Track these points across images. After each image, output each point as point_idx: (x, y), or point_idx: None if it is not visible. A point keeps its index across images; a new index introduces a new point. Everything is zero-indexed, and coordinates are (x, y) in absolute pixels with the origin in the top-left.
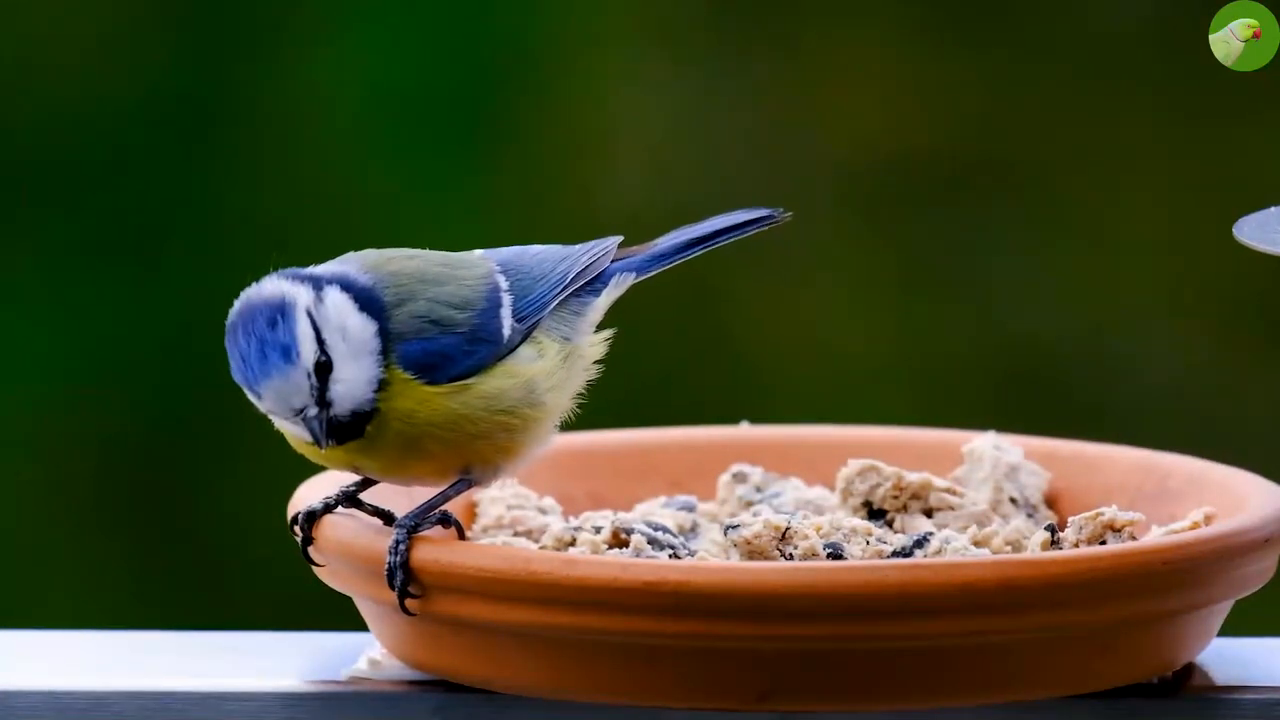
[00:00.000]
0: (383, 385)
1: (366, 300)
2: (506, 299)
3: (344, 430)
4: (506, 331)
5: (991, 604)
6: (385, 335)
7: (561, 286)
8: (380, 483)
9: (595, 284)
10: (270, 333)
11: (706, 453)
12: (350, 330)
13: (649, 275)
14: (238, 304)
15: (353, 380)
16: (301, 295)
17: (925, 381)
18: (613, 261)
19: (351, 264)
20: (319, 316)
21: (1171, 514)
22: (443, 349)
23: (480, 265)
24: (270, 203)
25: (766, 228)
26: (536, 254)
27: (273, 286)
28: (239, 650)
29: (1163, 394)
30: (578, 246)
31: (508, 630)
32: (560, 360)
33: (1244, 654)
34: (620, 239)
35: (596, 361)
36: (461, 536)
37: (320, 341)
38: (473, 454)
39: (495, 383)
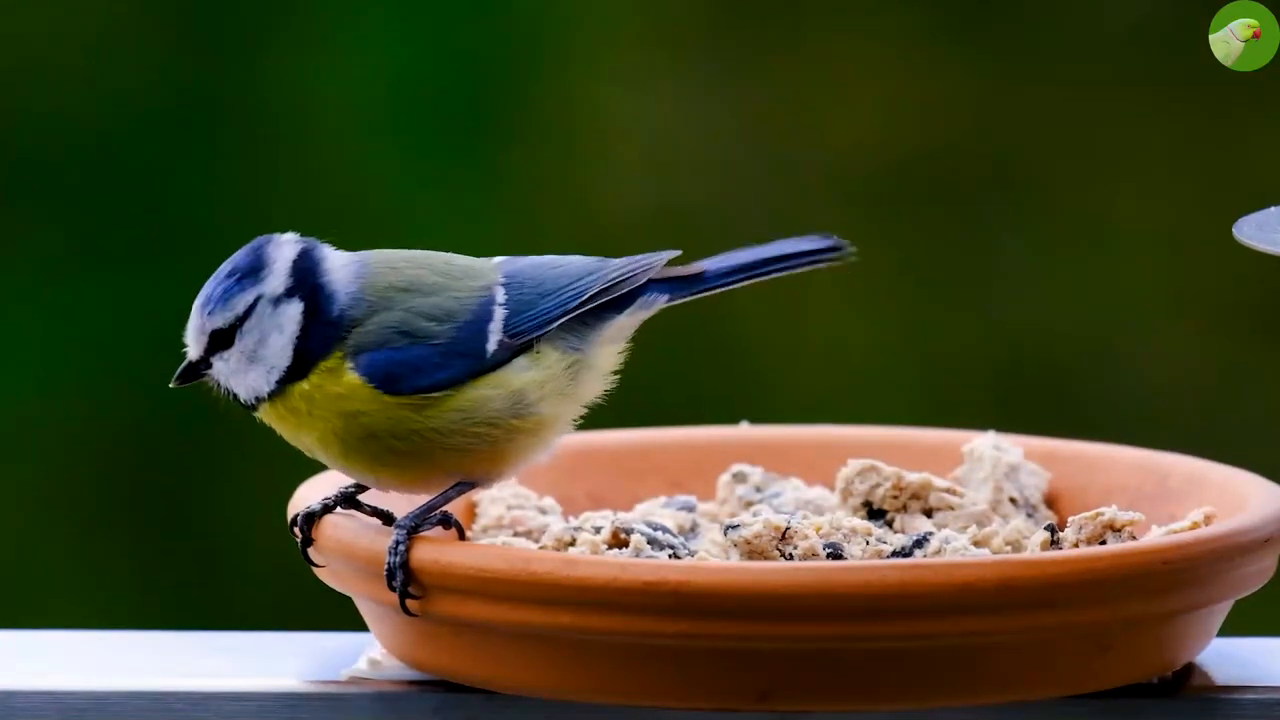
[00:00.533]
0: (326, 379)
1: (323, 328)
2: (499, 314)
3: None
4: (491, 347)
5: (991, 604)
6: (334, 344)
7: (576, 303)
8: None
9: (622, 301)
10: (225, 277)
11: (706, 453)
12: (269, 346)
13: (683, 300)
14: (263, 236)
15: (231, 374)
16: (274, 282)
17: (925, 381)
18: (653, 280)
19: (362, 267)
20: (259, 311)
21: (1171, 514)
22: (411, 360)
23: (483, 276)
24: (271, 202)
25: (826, 263)
26: (557, 267)
27: (278, 252)
28: (239, 650)
29: (1163, 394)
30: (616, 261)
31: (508, 630)
32: (562, 369)
33: (1244, 654)
34: (673, 254)
35: (614, 372)
36: (462, 537)
37: (239, 324)
38: (452, 464)
39: (475, 394)
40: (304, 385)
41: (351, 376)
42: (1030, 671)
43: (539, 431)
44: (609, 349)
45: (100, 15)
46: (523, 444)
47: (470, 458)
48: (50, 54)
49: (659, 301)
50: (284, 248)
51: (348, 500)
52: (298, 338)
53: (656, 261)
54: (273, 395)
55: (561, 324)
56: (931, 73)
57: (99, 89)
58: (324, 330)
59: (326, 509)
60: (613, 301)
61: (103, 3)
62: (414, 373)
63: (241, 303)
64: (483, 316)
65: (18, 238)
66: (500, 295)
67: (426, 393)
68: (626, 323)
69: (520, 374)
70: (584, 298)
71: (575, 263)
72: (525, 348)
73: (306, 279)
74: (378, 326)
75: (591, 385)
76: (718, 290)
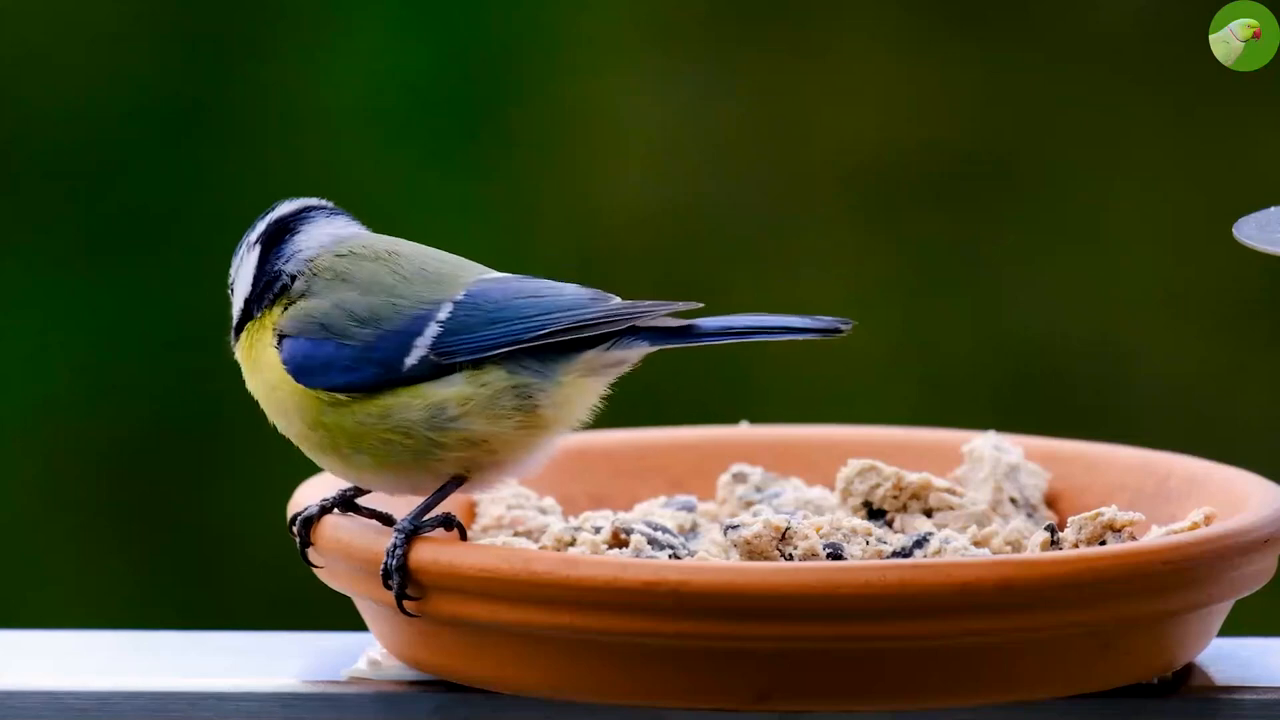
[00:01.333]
0: (257, 337)
1: (268, 284)
2: (432, 329)
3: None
4: (410, 360)
5: (991, 604)
6: (275, 301)
7: (529, 336)
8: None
9: (598, 341)
10: (248, 230)
11: (706, 453)
12: (236, 289)
13: (667, 348)
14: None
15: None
16: (254, 232)
17: (926, 381)
18: (638, 326)
19: (332, 243)
20: (241, 255)
21: (1171, 514)
22: (323, 357)
23: (445, 288)
24: (269, 203)
25: (820, 337)
26: (537, 296)
27: (283, 209)
28: (239, 650)
29: (1163, 394)
30: (609, 304)
31: (508, 630)
32: (502, 389)
33: (1244, 654)
34: (677, 307)
35: (592, 407)
36: (463, 538)
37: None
38: (368, 465)
39: (386, 402)
40: (248, 330)
41: (273, 353)
42: (1030, 671)
43: (469, 448)
44: (579, 381)
45: (100, 16)
46: (454, 458)
47: (390, 463)
48: (50, 54)
49: (640, 348)
50: (289, 206)
51: (345, 503)
52: (250, 284)
53: (651, 313)
54: (238, 334)
55: (524, 349)
56: (931, 72)
57: (98, 89)
58: (268, 285)
59: (324, 511)
60: (588, 338)
61: (102, 3)
62: (323, 369)
63: (240, 249)
64: (412, 329)
65: (19, 237)
66: (445, 312)
67: (333, 392)
68: (599, 360)
69: (444, 389)
70: (540, 333)
71: (564, 294)
72: (470, 365)
73: (276, 235)
74: (304, 312)
75: (554, 411)
76: (703, 345)
